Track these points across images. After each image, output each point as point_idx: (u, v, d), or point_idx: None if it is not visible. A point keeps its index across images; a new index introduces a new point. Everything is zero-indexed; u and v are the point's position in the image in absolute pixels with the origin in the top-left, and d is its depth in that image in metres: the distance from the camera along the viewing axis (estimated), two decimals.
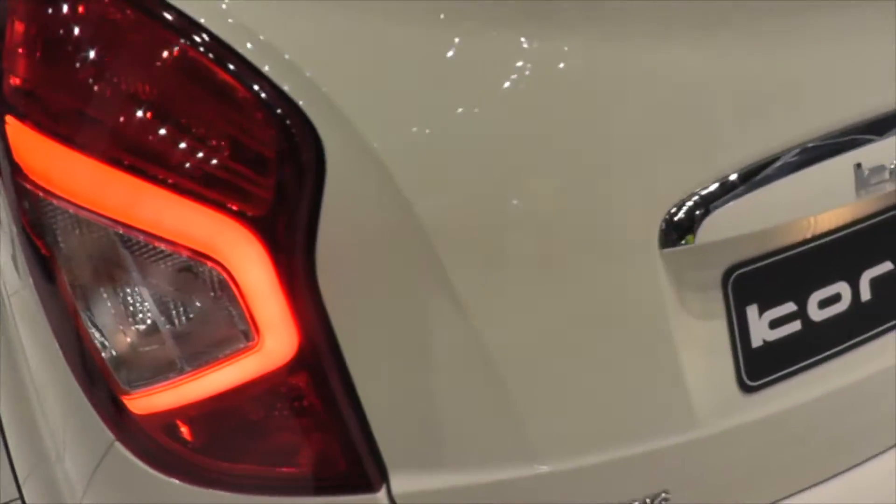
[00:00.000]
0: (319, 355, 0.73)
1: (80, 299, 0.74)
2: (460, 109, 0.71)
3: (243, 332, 0.72)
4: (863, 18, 0.81)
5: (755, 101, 0.78)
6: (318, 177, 0.69)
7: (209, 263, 0.70)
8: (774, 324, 0.86)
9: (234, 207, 0.69)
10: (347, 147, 0.69)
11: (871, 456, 0.95)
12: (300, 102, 0.68)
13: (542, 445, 0.80)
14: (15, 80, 0.73)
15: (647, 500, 0.85)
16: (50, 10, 0.72)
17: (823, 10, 0.80)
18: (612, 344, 0.79)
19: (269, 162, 0.69)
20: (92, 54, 0.70)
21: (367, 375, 0.75)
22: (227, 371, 0.73)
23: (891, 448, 0.96)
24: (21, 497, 1.06)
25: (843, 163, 0.81)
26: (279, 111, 0.68)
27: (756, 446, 0.88)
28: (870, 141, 0.82)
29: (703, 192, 0.77)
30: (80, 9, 0.71)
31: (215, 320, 0.72)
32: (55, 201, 0.71)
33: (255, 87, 0.68)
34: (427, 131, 0.71)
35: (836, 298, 0.89)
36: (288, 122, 0.68)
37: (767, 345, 0.86)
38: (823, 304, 0.89)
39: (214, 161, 0.69)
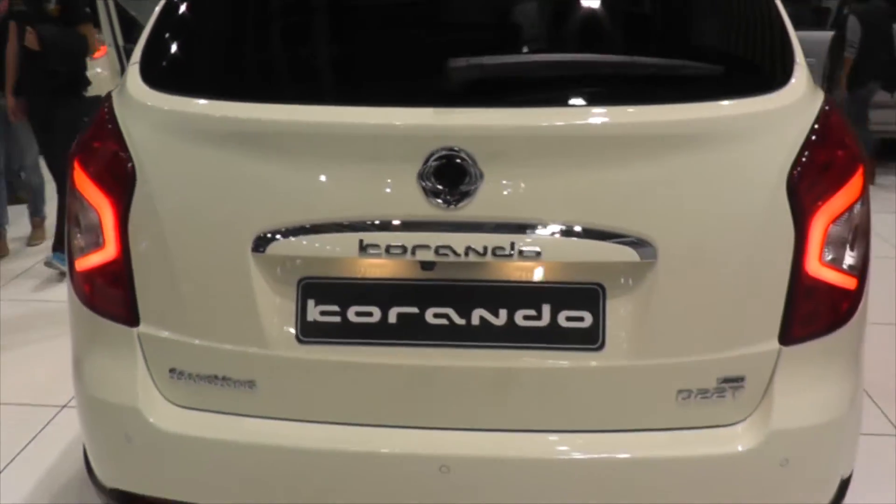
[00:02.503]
0: (123, 258, 1.78)
1: (72, 221, 1.88)
2: (193, 187, 1.72)
3: (101, 241, 1.79)
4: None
5: (305, 186, 1.65)
6: (132, 185, 1.75)
7: (96, 211, 1.79)
8: (324, 314, 1.69)
9: (106, 190, 1.78)
10: (147, 178, 1.74)
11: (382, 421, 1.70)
12: (137, 165, 1.75)
13: (199, 334, 1.74)
14: (85, 139, 1.91)
15: (246, 382, 1.72)
16: (99, 131, 1.90)
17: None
18: (224, 292, 1.71)
19: (119, 178, 1.77)
20: (97, 143, 1.86)
21: (139, 272, 1.78)
22: (93, 256, 1.81)
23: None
24: None
25: (350, 237, 1.63)
26: (129, 165, 1.76)
27: (308, 376, 1.71)
28: (371, 229, 1.62)
29: (273, 230, 1.66)
30: (103, 136, 1.87)
31: (94, 235, 1.81)
32: (74, 186, 1.87)
33: (130, 160, 1.76)
34: (177, 183, 1.73)
35: (368, 314, 1.68)
36: (130, 168, 1.75)
37: (317, 322, 1.69)
38: (360, 314, 1.68)
39: (105, 176, 1.79)
